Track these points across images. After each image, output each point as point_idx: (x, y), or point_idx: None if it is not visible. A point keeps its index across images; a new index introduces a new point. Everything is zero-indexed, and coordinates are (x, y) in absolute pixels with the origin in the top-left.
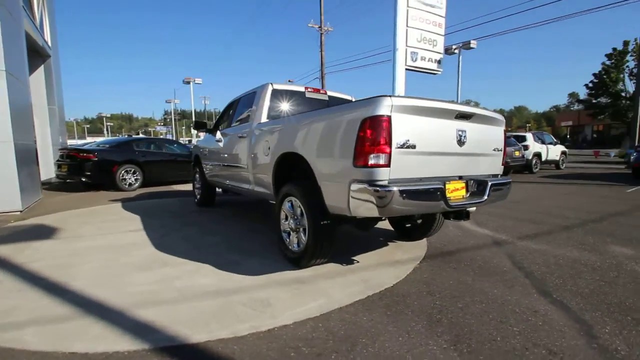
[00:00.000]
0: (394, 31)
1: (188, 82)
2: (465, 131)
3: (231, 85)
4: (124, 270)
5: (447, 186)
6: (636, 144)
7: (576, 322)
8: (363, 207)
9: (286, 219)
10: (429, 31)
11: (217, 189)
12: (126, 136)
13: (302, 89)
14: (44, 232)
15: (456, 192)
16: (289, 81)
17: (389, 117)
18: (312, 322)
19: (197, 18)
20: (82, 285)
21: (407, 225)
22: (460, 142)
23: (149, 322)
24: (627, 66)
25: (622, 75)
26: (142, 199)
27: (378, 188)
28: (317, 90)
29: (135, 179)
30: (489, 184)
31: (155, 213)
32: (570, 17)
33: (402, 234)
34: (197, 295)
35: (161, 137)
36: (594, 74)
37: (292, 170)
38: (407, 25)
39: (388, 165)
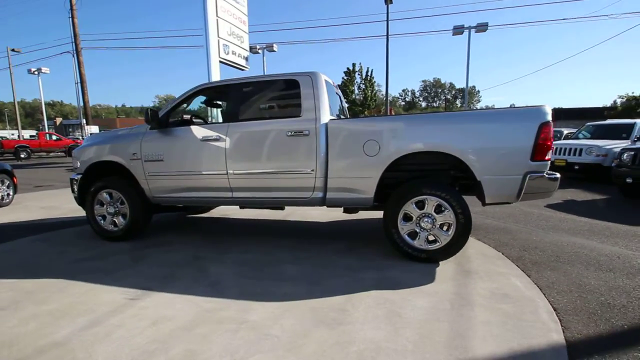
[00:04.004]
0: (204, 20)
1: None
2: None
3: None
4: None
5: None
6: None
7: (614, 245)
8: (535, 193)
9: (407, 220)
10: (237, 26)
11: None
12: None
13: (331, 80)
14: None
15: None
16: (14, 50)
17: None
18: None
19: None
20: None
21: None
22: None
23: None
24: (356, 81)
25: (353, 88)
26: None
27: (556, 176)
28: (335, 85)
29: None
30: None
31: (88, 265)
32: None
33: None
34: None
35: None
36: (338, 85)
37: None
38: (217, 16)
39: (550, 158)
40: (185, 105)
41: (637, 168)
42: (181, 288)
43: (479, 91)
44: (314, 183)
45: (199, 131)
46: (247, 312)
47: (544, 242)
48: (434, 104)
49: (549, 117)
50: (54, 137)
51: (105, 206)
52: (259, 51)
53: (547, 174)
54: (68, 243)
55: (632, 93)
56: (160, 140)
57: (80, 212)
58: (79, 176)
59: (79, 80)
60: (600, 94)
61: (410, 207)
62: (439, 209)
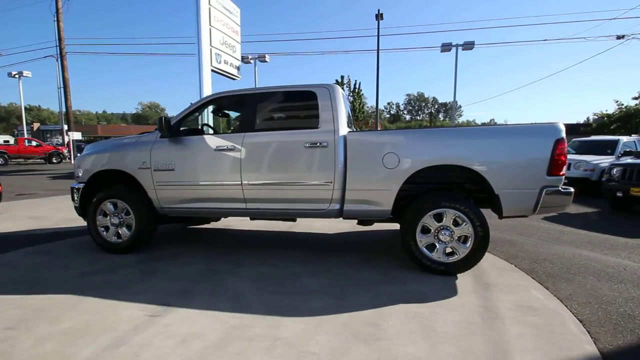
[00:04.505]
0: (197, 29)
1: None
2: None
3: None
4: None
5: None
6: None
7: (617, 257)
8: (550, 207)
9: (425, 232)
10: (229, 36)
11: None
12: None
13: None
14: None
15: None
16: None
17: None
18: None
19: None
20: None
21: None
22: None
23: None
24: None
25: None
26: None
27: (570, 190)
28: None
29: None
30: None
31: (106, 279)
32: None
33: None
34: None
35: None
36: None
37: None
38: (210, 25)
39: (564, 174)
40: (197, 114)
41: (627, 183)
42: (201, 303)
43: (460, 106)
44: (332, 195)
45: (212, 140)
46: (278, 328)
47: (552, 254)
48: (418, 117)
49: (563, 134)
50: (33, 143)
51: (109, 217)
52: (251, 61)
53: (561, 188)
54: (68, 256)
55: (606, 111)
56: (171, 149)
57: (73, 223)
58: (81, 185)
59: (62, 85)
60: (572, 110)
61: (428, 220)
62: (456, 222)
